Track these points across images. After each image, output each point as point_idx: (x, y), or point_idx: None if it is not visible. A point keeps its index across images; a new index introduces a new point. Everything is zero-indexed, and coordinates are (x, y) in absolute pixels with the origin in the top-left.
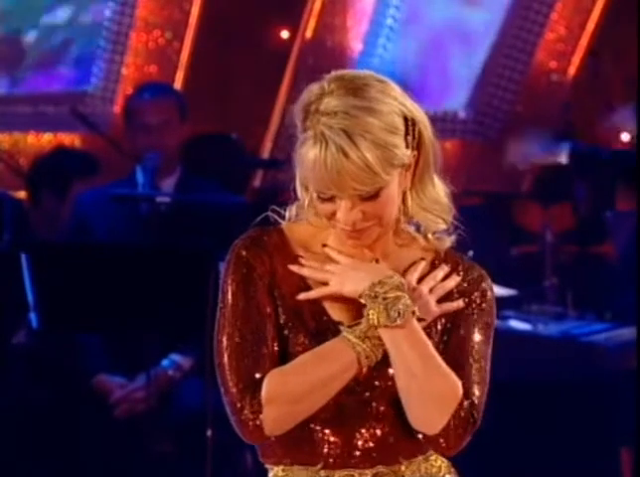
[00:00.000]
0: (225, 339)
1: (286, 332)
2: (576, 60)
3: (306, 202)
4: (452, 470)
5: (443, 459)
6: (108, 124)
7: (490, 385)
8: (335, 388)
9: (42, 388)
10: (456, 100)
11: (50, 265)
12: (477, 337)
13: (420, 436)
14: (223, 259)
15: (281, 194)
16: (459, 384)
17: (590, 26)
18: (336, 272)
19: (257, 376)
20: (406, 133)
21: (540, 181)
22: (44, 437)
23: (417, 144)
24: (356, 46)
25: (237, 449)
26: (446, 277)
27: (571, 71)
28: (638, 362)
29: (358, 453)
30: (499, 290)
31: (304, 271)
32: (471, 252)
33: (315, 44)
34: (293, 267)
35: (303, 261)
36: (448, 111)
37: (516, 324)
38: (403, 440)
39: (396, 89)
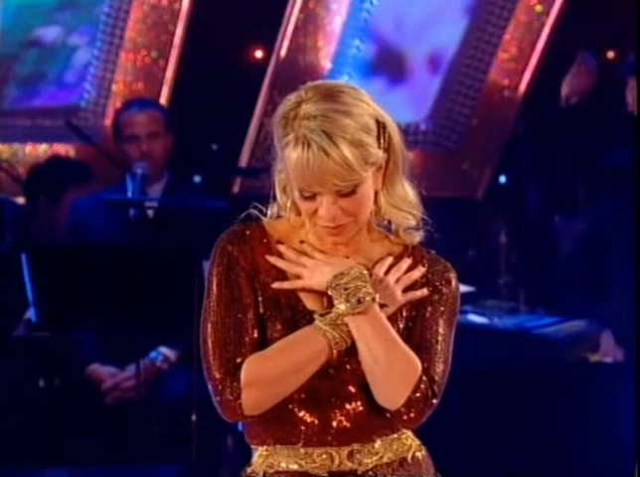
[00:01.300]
0: (209, 326)
1: (265, 320)
2: (527, 77)
3: (288, 204)
4: (422, 448)
5: (414, 438)
6: (100, 136)
7: (450, 373)
8: (308, 371)
9: (40, 377)
10: (418, 114)
11: (48, 264)
12: (441, 322)
13: (388, 413)
14: (206, 258)
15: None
16: (418, 362)
17: (540, 46)
18: (309, 266)
19: (238, 361)
20: (378, 135)
21: (494, 187)
22: (41, 421)
23: (388, 147)
24: (326, 64)
25: (219, 432)
26: (411, 269)
27: (522, 87)
28: (639, 360)
29: (334, 432)
30: (460, 287)
31: (280, 264)
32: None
33: (289, 62)
34: (271, 259)
35: (282, 252)
36: (411, 123)
37: (474, 318)
38: (376, 419)
39: (366, 95)
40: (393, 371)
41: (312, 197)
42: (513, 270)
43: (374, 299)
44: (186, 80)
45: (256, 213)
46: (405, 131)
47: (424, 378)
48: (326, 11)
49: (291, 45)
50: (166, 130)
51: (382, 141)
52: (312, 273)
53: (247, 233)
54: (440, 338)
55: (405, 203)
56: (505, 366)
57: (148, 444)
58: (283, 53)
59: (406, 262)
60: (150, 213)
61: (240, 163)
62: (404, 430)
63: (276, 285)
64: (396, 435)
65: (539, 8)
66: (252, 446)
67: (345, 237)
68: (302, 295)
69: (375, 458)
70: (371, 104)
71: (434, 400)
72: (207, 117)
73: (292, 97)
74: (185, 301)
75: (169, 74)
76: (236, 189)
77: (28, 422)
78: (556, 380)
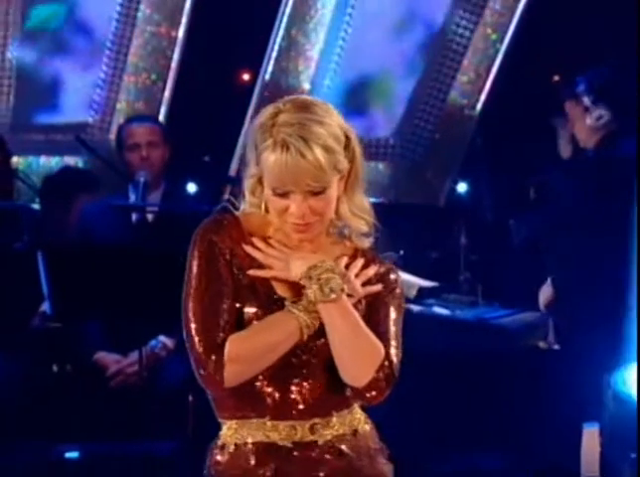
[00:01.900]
0: (191, 305)
1: (241, 303)
2: (483, 98)
3: (258, 203)
4: (369, 421)
5: (362, 413)
6: (106, 149)
7: (416, 358)
8: (281, 350)
9: (53, 363)
10: (388, 130)
11: (60, 262)
12: (393, 313)
13: (349, 392)
14: None
15: None
16: (381, 346)
17: (494, 70)
18: (282, 259)
19: (219, 338)
20: (345, 146)
21: (454, 194)
22: (54, 402)
23: (352, 158)
24: (305, 86)
25: (212, 412)
26: (364, 268)
27: (479, 106)
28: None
29: (297, 407)
30: (424, 283)
31: (257, 255)
32: (401, 252)
33: (272, 84)
34: (248, 248)
35: (255, 243)
36: (381, 138)
37: (437, 310)
38: (334, 396)
39: (335, 111)
40: (360, 353)
41: (284, 195)
42: (472, 268)
43: (343, 289)
44: (182, 100)
45: (230, 207)
46: (377, 145)
47: (386, 360)
48: (306, 39)
49: (275, 69)
50: (163, 141)
51: (347, 152)
52: (286, 265)
53: (225, 222)
54: (394, 327)
55: (362, 210)
56: (466, 352)
57: (148, 423)
58: (268, 76)
59: (361, 261)
60: (150, 217)
61: (229, 173)
62: (355, 406)
63: (252, 272)
64: (348, 410)
65: (494, 36)
66: (222, 420)
67: (310, 234)
68: (274, 283)
69: (332, 430)
70: (339, 119)
71: (394, 380)
72: (200, 132)
73: (270, 109)
74: (181, 295)
75: (167, 94)
76: (226, 196)
77: (42, 403)
78: (510, 364)
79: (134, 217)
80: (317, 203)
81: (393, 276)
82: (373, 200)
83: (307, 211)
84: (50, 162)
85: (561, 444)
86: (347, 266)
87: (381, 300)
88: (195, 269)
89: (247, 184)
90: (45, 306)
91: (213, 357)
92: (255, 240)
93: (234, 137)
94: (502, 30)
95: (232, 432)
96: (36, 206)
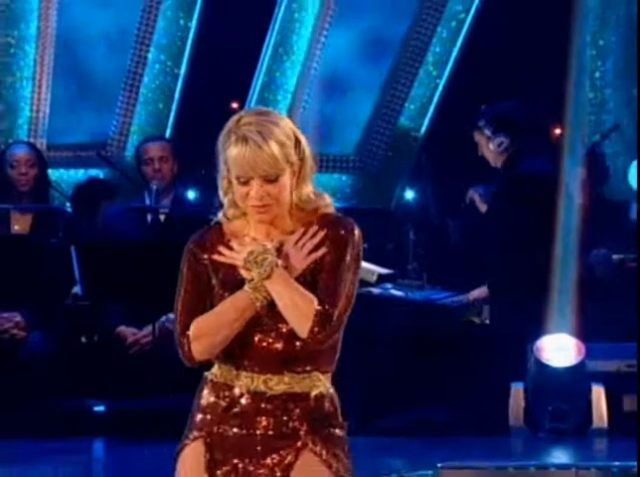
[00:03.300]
0: (178, 302)
1: (219, 291)
2: (426, 122)
3: (229, 200)
4: (329, 388)
5: (324, 380)
6: (122, 163)
7: (376, 331)
8: (239, 324)
9: (82, 334)
10: (350, 147)
11: (89, 254)
12: (342, 270)
13: (298, 343)
14: None
15: None
16: (315, 300)
17: (435, 100)
18: (238, 251)
19: (187, 322)
20: (295, 146)
21: (403, 200)
22: (84, 367)
23: (302, 157)
24: (283, 113)
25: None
26: (317, 233)
27: (423, 129)
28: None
29: (256, 362)
30: (383, 270)
31: (225, 252)
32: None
33: None
34: (221, 248)
35: (232, 244)
36: (344, 154)
37: (394, 292)
38: (287, 359)
39: (288, 119)
40: (296, 310)
41: (246, 182)
42: (418, 259)
43: (277, 265)
44: (183, 124)
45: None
46: (341, 160)
47: (322, 309)
48: (284, 75)
49: (258, 99)
50: (173, 157)
51: (297, 150)
52: (238, 255)
53: (205, 235)
54: (341, 279)
55: (308, 200)
56: (416, 326)
57: (160, 383)
58: (253, 104)
59: (313, 229)
60: (162, 217)
61: None
62: (317, 373)
63: (215, 257)
64: (306, 375)
65: (435, 73)
66: (215, 362)
67: (268, 216)
68: (242, 272)
69: (284, 387)
70: (290, 124)
71: (331, 326)
72: (198, 151)
73: (234, 117)
74: None
75: (171, 119)
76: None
77: (74, 368)
78: (451, 335)
79: (149, 217)
80: (272, 188)
81: (351, 233)
82: (338, 205)
83: (265, 194)
84: (77, 174)
85: (493, 400)
86: (298, 240)
87: (333, 257)
88: (182, 277)
89: (221, 186)
90: (76, 289)
91: (185, 338)
92: (232, 241)
93: None
94: (441, 68)
95: (214, 370)
96: (68, 209)
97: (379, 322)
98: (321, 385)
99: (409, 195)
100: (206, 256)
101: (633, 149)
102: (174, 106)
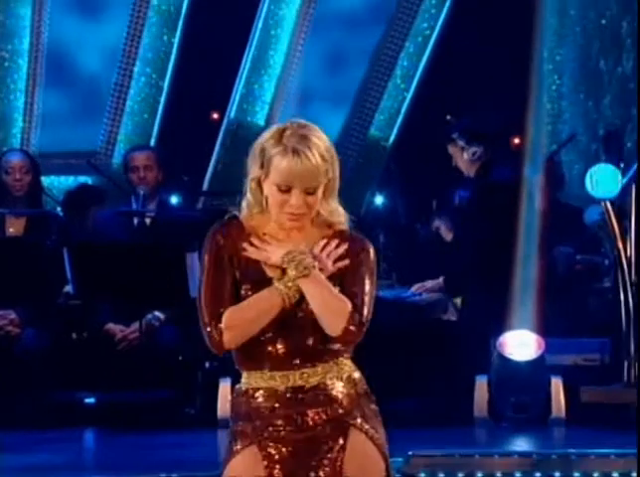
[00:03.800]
0: (203, 289)
1: (240, 285)
2: (395, 131)
3: (258, 201)
4: (357, 371)
5: (351, 365)
6: (109, 171)
7: None
8: (268, 318)
9: (73, 331)
10: None
11: (80, 255)
12: (364, 278)
13: (332, 344)
14: (188, 251)
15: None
16: (348, 302)
17: (403, 111)
18: (269, 250)
19: (221, 310)
20: (332, 162)
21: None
22: (74, 361)
23: (332, 171)
24: (260, 123)
25: (194, 369)
26: (338, 246)
27: (391, 138)
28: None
29: (290, 360)
30: None
31: (250, 250)
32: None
33: (235, 121)
34: (245, 245)
35: (254, 242)
36: None
37: None
38: (319, 351)
39: (322, 132)
40: (331, 311)
41: (286, 191)
42: (388, 260)
43: (314, 266)
44: (167, 133)
45: (234, 214)
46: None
47: (355, 313)
48: (261, 87)
49: (237, 110)
50: (157, 166)
51: (333, 167)
52: (271, 253)
53: (229, 225)
54: (365, 286)
55: (336, 212)
56: (387, 322)
57: (146, 377)
58: (232, 115)
59: (335, 242)
60: (148, 221)
61: (202, 188)
62: (342, 359)
63: (247, 253)
64: (334, 362)
65: (402, 86)
66: (240, 371)
67: (299, 223)
68: (265, 268)
69: (318, 377)
70: (328, 140)
71: (362, 328)
72: (180, 158)
73: (275, 127)
74: (172, 281)
75: (155, 129)
76: (200, 205)
77: (66, 362)
78: (420, 331)
79: (135, 221)
80: (310, 199)
81: (366, 249)
82: None
83: (303, 204)
84: (67, 180)
85: (459, 392)
86: (324, 247)
87: (355, 268)
88: (206, 265)
89: (249, 186)
90: (68, 288)
91: (215, 326)
92: (253, 239)
93: (206, 162)
94: (408, 81)
95: (245, 380)
96: (59, 213)
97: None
98: (348, 368)
99: (379, 200)
100: (229, 248)
101: (588, 157)
102: (158, 117)
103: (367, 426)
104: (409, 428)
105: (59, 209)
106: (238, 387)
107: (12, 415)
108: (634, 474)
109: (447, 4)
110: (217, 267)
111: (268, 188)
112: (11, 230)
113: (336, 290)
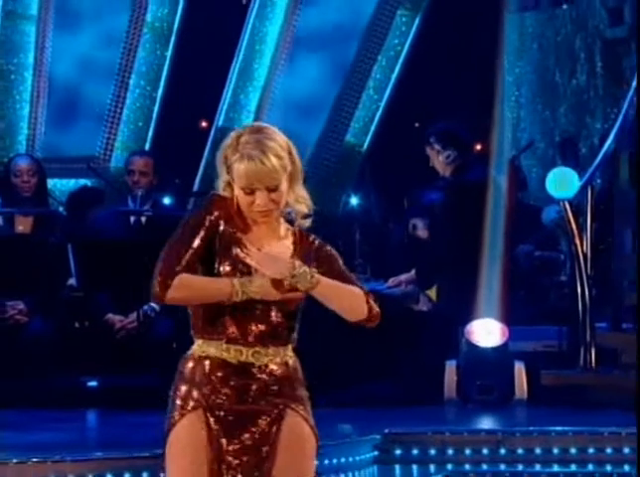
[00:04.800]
0: (173, 243)
1: (221, 259)
2: (369, 138)
3: (234, 200)
4: (295, 358)
5: (291, 351)
6: (107, 174)
7: (330, 317)
8: (212, 300)
9: (76, 321)
10: (303, 160)
11: (83, 251)
12: (342, 267)
13: (292, 333)
14: None
15: None
16: (361, 292)
17: (376, 118)
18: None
19: (177, 269)
20: (288, 155)
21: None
22: (77, 348)
23: (293, 162)
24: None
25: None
26: (295, 243)
27: (365, 145)
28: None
29: (246, 337)
30: None
31: (249, 261)
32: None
33: (223, 130)
34: (241, 255)
35: (250, 251)
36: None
37: None
38: (272, 335)
39: (279, 131)
40: (349, 302)
41: (251, 192)
42: (364, 255)
43: (313, 275)
44: (160, 140)
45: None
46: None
47: (368, 296)
48: (246, 98)
49: (225, 119)
50: (153, 171)
51: (291, 160)
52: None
53: (226, 199)
54: (349, 273)
55: (302, 198)
56: None
57: (143, 362)
58: (220, 123)
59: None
60: (144, 220)
61: (193, 190)
62: (288, 346)
63: (242, 256)
64: (282, 347)
65: (375, 96)
66: (195, 337)
67: (270, 218)
68: (240, 254)
69: (268, 358)
70: (282, 136)
71: (377, 302)
72: (172, 162)
73: (233, 133)
74: None
75: (149, 135)
76: (190, 205)
77: (69, 349)
78: (394, 321)
79: (132, 219)
80: (274, 195)
81: (326, 245)
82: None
83: (269, 201)
84: (68, 183)
85: (430, 376)
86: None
87: (331, 263)
88: (185, 220)
89: (220, 188)
90: (72, 281)
91: (164, 280)
92: (249, 248)
93: (196, 166)
94: (381, 92)
95: (197, 347)
96: (63, 212)
97: (331, 310)
98: (290, 355)
99: (354, 201)
100: (222, 222)
101: (545, 162)
102: (152, 124)
103: (301, 408)
104: (386, 409)
105: (61, 209)
106: (188, 352)
107: (19, 397)
108: (591, 449)
109: (416, 22)
110: (196, 232)
111: (237, 190)
112: (20, 228)
113: (342, 284)
